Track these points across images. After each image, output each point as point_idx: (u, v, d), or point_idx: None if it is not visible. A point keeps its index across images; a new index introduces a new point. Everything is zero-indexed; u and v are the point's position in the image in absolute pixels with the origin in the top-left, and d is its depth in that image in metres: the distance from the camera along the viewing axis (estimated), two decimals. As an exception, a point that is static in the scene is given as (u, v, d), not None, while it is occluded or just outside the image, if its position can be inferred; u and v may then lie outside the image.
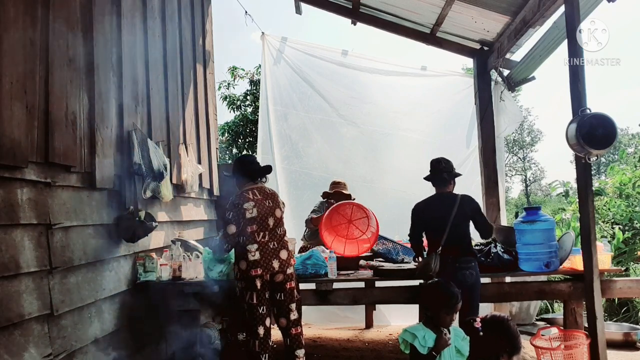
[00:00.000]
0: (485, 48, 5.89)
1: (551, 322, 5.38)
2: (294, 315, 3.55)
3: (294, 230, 5.71)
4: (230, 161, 10.39)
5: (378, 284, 4.27)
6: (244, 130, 10.13)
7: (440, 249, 3.59)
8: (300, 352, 3.56)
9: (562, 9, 4.09)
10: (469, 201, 3.72)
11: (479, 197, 5.60)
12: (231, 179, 3.78)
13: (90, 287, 3.18)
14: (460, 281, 3.56)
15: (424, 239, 3.91)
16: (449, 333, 2.66)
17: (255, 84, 10.17)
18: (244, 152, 10.27)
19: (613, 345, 4.58)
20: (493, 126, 5.87)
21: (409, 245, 4.51)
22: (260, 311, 3.44)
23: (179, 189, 4.62)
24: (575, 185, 6.57)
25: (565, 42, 3.91)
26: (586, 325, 3.97)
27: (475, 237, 3.93)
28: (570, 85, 3.83)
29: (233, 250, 3.58)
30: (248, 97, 10.35)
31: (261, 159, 6.47)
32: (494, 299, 4.45)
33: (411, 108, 6.63)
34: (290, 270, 3.57)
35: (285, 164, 6.53)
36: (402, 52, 51.07)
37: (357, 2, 5.85)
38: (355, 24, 6.26)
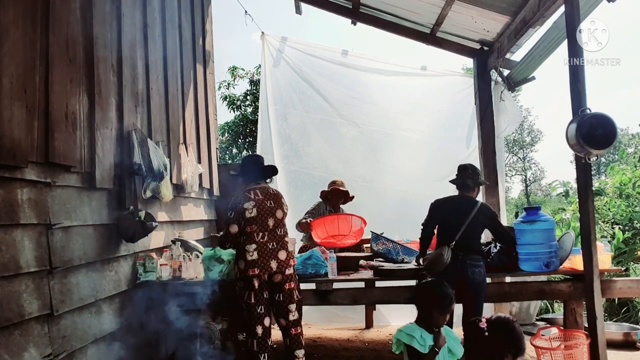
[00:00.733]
0: (485, 48, 5.89)
1: (551, 322, 5.38)
2: (293, 316, 3.55)
3: (294, 230, 5.71)
4: (230, 161, 10.41)
5: (378, 284, 4.26)
6: (244, 130, 10.14)
7: (453, 243, 3.66)
8: (300, 353, 3.57)
9: (562, 9, 4.09)
10: (486, 209, 3.87)
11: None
12: (238, 178, 3.80)
13: (90, 287, 3.18)
14: (469, 279, 3.59)
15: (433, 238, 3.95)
16: (442, 331, 2.65)
17: (255, 84, 10.18)
18: (244, 153, 10.28)
19: (613, 345, 4.57)
20: (493, 126, 5.87)
21: (409, 245, 4.53)
22: (259, 311, 3.44)
23: (179, 189, 4.62)
24: (575, 185, 6.57)
25: (565, 42, 3.91)
26: (586, 325, 3.97)
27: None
28: (570, 85, 3.83)
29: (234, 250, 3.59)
30: (248, 97, 10.35)
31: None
32: (494, 299, 4.45)
33: (411, 108, 6.62)
34: (289, 271, 3.56)
35: (285, 164, 6.53)
36: (402, 52, 51.12)
37: (357, 2, 5.85)
38: (355, 24, 6.25)
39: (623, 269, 5.17)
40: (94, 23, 3.37)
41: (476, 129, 6.09)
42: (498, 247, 4.16)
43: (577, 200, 4.20)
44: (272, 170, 3.82)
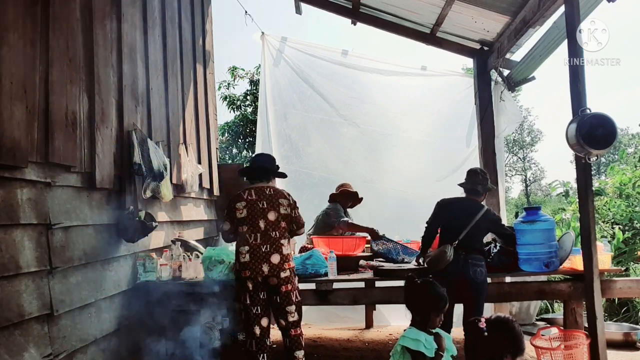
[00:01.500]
0: (485, 48, 5.89)
1: (551, 322, 5.38)
2: (292, 317, 3.52)
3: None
4: (230, 161, 10.41)
5: (378, 284, 4.27)
6: (244, 130, 10.13)
7: (456, 242, 3.66)
8: (300, 353, 3.55)
9: (562, 9, 4.09)
10: (491, 215, 3.87)
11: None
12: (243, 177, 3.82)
13: (90, 287, 3.18)
14: (470, 278, 3.59)
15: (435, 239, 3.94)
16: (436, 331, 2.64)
17: (255, 84, 10.17)
18: (244, 153, 10.28)
19: (613, 345, 4.57)
20: (493, 126, 5.88)
21: (409, 245, 4.53)
22: (255, 311, 3.44)
23: (179, 189, 4.62)
24: (575, 185, 6.57)
25: (565, 42, 3.91)
26: (586, 325, 3.97)
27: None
28: (570, 85, 3.83)
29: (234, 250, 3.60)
30: (248, 97, 10.35)
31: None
32: (494, 299, 4.45)
33: (411, 108, 6.62)
34: (284, 274, 3.47)
35: (285, 164, 6.51)
36: (402, 52, 50.99)
37: (357, 2, 5.85)
38: (355, 24, 6.25)
39: (623, 269, 5.18)
40: (94, 23, 3.37)
41: (476, 129, 6.10)
42: (498, 247, 4.17)
43: (577, 200, 4.20)
44: (258, 171, 3.70)
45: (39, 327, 2.65)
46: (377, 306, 5.87)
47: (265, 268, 3.43)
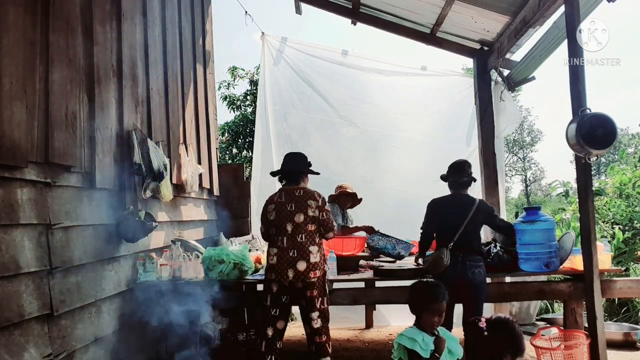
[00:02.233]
0: (485, 48, 5.89)
1: (551, 322, 5.38)
2: (316, 324, 3.45)
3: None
4: (230, 161, 10.40)
5: (378, 284, 4.27)
6: (244, 130, 10.11)
7: (451, 244, 3.62)
8: None
9: (562, 9, 4.09)
10: (483, 206, 3.81)
11: (479, 197, 5.60)
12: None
13: (90, 287, 3.18)
14: (469, 279, 3.58)
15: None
16: (439, 333, 2.63)
17: (255, 84, 10.16)
18: (244, 153, 10.27)
19: (613, 345, 4.58)
20: (493, 126, 5.87)
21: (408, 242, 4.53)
22: (272, 313, 3.45)
23: (179, 189, 4.62)
24: (575, 185, 6.57)
25: (565, 42, 3.91)
26: (586, 325, 3.97)
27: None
28: (570, 85, 3.83)
29: (235, 250, 3.60)
30: (248, 97, 10.34)
31: (260, 158, 6.48)
32: (494, 299, 4.45)
33: (411, 108, 6.62)
34: (311, 280, 3.40)
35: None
36: (402, 52, 51.01)
37: (357, 2, 5.85)
38: (355, 24, 6.25)
39: (623, 269, 5.17)
40: (94, 23, 3.37)
41: (476, 129, 6.10)
42: (498, 247, 4.16)
43: (577, 200, 4.20)
44: (287, 173, 3.64)
45: (39, 327, 2.65)
46: (377, 306, 5.87)
47: (291, 274, 3.38)
